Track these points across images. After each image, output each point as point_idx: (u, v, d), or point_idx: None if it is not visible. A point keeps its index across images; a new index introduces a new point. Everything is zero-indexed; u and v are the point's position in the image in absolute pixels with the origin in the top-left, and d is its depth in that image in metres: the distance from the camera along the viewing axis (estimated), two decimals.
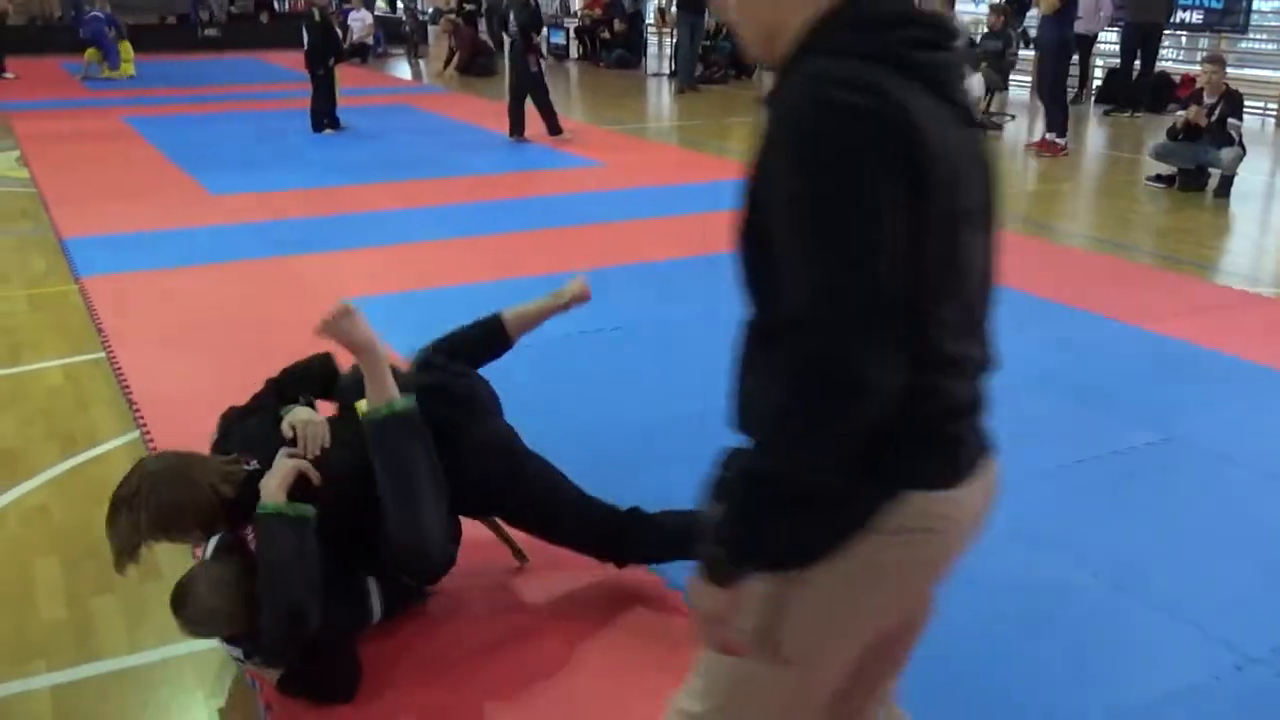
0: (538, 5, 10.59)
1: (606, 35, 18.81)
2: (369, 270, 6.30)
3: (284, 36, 20.90)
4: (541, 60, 10.59)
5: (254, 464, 2.64)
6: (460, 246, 6.83)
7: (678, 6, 15.11)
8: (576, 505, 2.95)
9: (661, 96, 15.51)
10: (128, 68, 16.43)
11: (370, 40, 19.69)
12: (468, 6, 20.12)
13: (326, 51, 10.91)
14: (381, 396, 2.75)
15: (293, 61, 17.56)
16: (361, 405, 2.79)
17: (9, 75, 15.83)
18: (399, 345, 4.05)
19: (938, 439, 1.50)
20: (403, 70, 19.06)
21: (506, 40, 10.89)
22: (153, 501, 2.47)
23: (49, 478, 3.86)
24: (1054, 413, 4.38)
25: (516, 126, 10.60)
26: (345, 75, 17.32)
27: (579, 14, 20.09)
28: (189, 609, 2.49)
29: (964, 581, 3.08)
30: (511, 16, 10.25)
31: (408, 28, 20.66)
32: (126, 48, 16.59)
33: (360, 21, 19.61)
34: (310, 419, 2.75)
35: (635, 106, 13.83)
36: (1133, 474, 3.89)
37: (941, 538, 1.53)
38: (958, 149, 1.40)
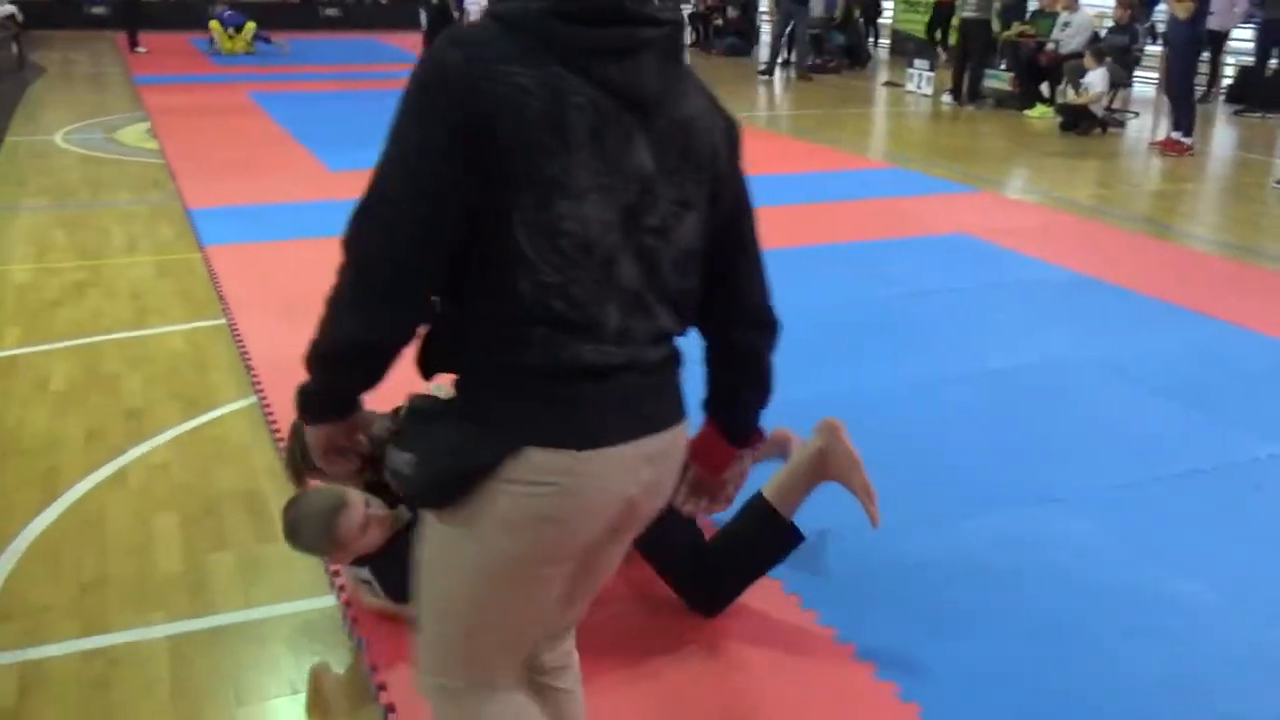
0: None
1: (719, 22, 18.73)
2: None
3: (400, 18, 21.31)
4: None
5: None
6: None
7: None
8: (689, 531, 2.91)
9: (772, 84, 15.39)
10: (239, 45, 16.85)
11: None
12: None
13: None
14: None
15: (408, 43, 17.97)
16: None
17: (141, 50, 16.35)
18: None
19: (553, 399, 1.55)
20: None
21: None
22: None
23: (171, 437, 3.99)
24: (1176, 420, 4.25)
25: None
26: None
27: (693, 0, 20.01)
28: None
29: (1077, 587, 3.07)
30: None
31: None
32: (249, 27, 17.04)
33: (476, 5, 19.82)
34: None
35: (745, 94, 13.73)
36: (1259, 486, 3.75)
37: (573, 497, 1.57)
38: (585, 129, 1.49)
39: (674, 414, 1.71)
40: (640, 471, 1.64)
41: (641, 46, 1.54)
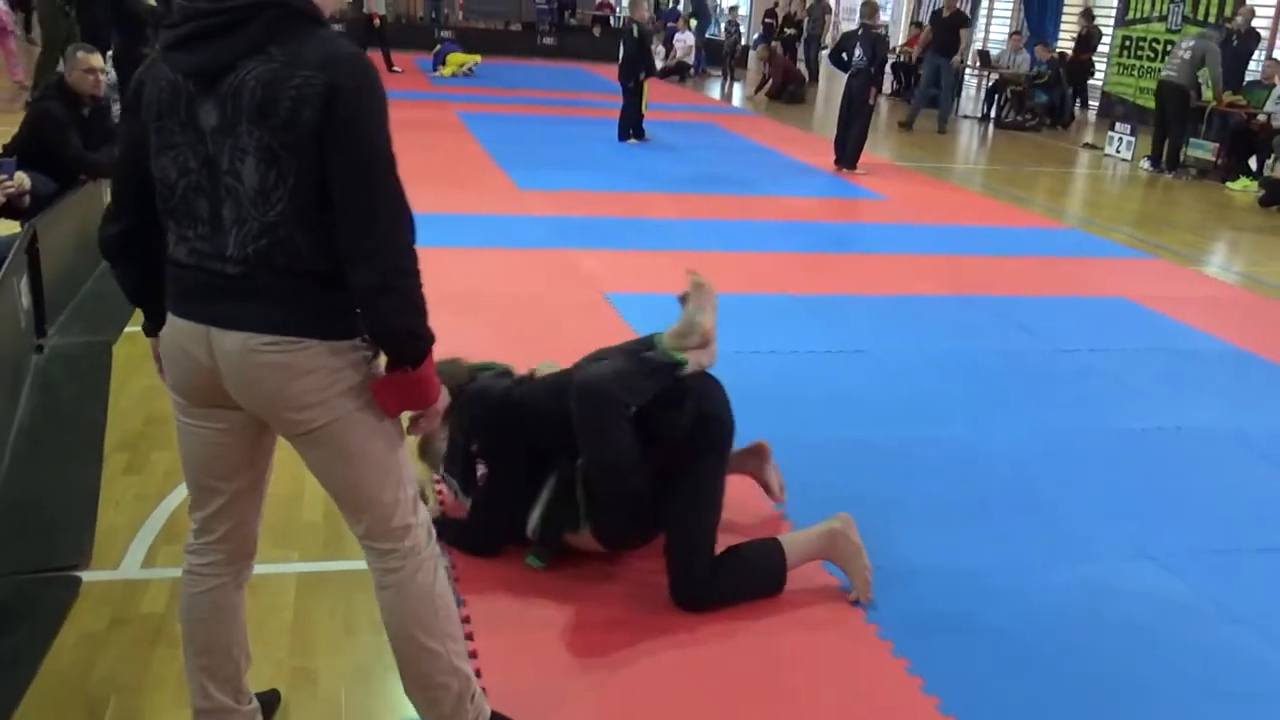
0: (887, 39, 10.86)
1: (922, 73, 18.66)
2: (638, 269, 6.76)
3: (611, 50, 22.12)
4: (879, 94, 10.84)
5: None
6: (723, 258, 7.16)
7: (931, 49, 14.87)
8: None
9: (971, 138, 15.31)
10: (448, 70, 17.87)
11: (690, 60, 20.47)
12: (787, 31, 20.62)
13: (638, 65, 11.55)
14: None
15: (614, 73, 18.67)
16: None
17: (397, 70, 17.33)
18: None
19: (168, 278, 2.16)
20: (717, 91, 19.69)
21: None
22: None
23: None
24: None
25: (848, 157, 10.79)
26: (662, 92, 18.19)
27: (897, 50, 20.02)
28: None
29: (1150, 641, 3.13)
30: (859, 47, 10.49)
31: (727, 50, 21.29)
32: (459, 57, 18.10)
33: (683, 42, 20.48)
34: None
35: (939, 146, 13.73)
36: None
37: (166, 345, 2.21)
38: (168, 102, 2.04)
39: (248, 321, 2.07)
40: (203, 346, 2.10)
41: (204, 33, 2.01)
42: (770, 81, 18.13)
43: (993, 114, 16.64)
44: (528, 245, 7.14)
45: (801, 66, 21.25)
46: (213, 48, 2.01)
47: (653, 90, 17.64)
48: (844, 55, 10.84)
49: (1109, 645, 3.14)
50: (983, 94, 18.00)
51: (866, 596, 3.23)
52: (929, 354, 5.52)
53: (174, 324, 2.15)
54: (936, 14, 15.17)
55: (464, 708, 2.39)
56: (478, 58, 18.24)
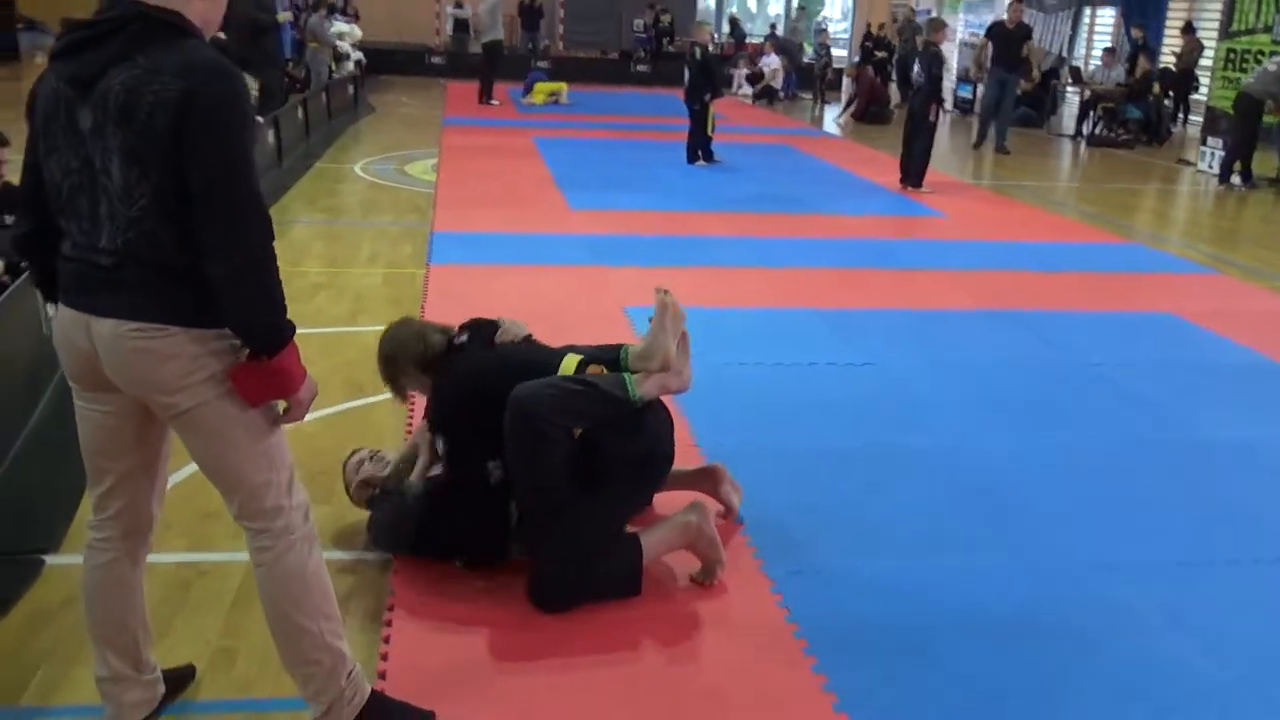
0: (944, 56, 10.73)
1: (1018, 91, 18.34)
2: (671, 285, 6.81)
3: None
4: (942, 110, 10.73)
5: (464, 338, 3.50)
6: (754, 273, 7.21)
7: (990, 61, 14.32)
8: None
9: (1059, 155, 14.98)
10: (538, 98, 18.22)
11: (777, 83, 20.50)
12: (878, 55, 20.50)
13: (703, 88, 11.65)
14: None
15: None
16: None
17: (494, 102, 17.37)
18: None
19: (59, 272, 2.33)
20: (803, 113, 19.67)
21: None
22: (383, 343, 3.58)
23: (328, 413, 4.64)
24: None
25: (915, 174, 10.70)
26: (746, 115, 18.31)
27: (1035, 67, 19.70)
28: None
29: (1107, 654, 3.09)
30: (917, 64, 10.45)
31: (818, 73, 21.27)
32: (547, 86, 18.43)
33: (769, 65, 20.54)
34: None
35: (1019, 165, 13.47)
36: None
37: (56, 333, 2.38)
38: (51, 108, 2.24)
39: (118, 309, 2.23)
40: (84, 333, 2.27)
41: (81, 44, 2.22)
42: (855, 103, 18.04)
43: (1085, 130, 16.23)
44: (560, 262, 7.28)
45: (893, 88, 21.16)
46: (87, 56, 2.20)
47: (736, 113, 17.85)
48: (907, 74, 10.79)
49: (1042, 654, 3.09)
50: (1075, 110, 17.57)
51: (711, 580, 3.30)
52: (937, 366, 5.47)
53: (62, 313, 2.34)
54: (998, 25, 14.49)
55: (335, 684, 2.50)
56: (563, 86, 18.57)
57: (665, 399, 3.44)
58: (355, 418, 4.66)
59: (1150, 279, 7.65)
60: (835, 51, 23.13)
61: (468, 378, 3.40)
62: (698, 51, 11.85)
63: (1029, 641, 3.14)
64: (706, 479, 3.79)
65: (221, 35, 9.49)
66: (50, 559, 3.40)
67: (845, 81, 21.99)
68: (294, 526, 2.45)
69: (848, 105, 18.36)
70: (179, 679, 2.79)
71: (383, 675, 2.86)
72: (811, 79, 21.39)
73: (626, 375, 3.29)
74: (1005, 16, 14.42)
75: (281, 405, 2.43)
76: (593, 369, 3.38)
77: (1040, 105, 17.78)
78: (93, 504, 2.53)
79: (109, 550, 2.53)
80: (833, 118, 18.61)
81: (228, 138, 2.17)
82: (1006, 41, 13.94)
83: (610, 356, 3.47)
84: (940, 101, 10.73)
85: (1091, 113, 16.22)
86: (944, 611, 3.27)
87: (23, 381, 4.50)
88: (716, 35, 28.29)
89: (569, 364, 3.38)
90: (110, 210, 2.21)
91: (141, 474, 2.51)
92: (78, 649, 2.94)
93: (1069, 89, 19.64)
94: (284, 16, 12.18)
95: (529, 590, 3.17)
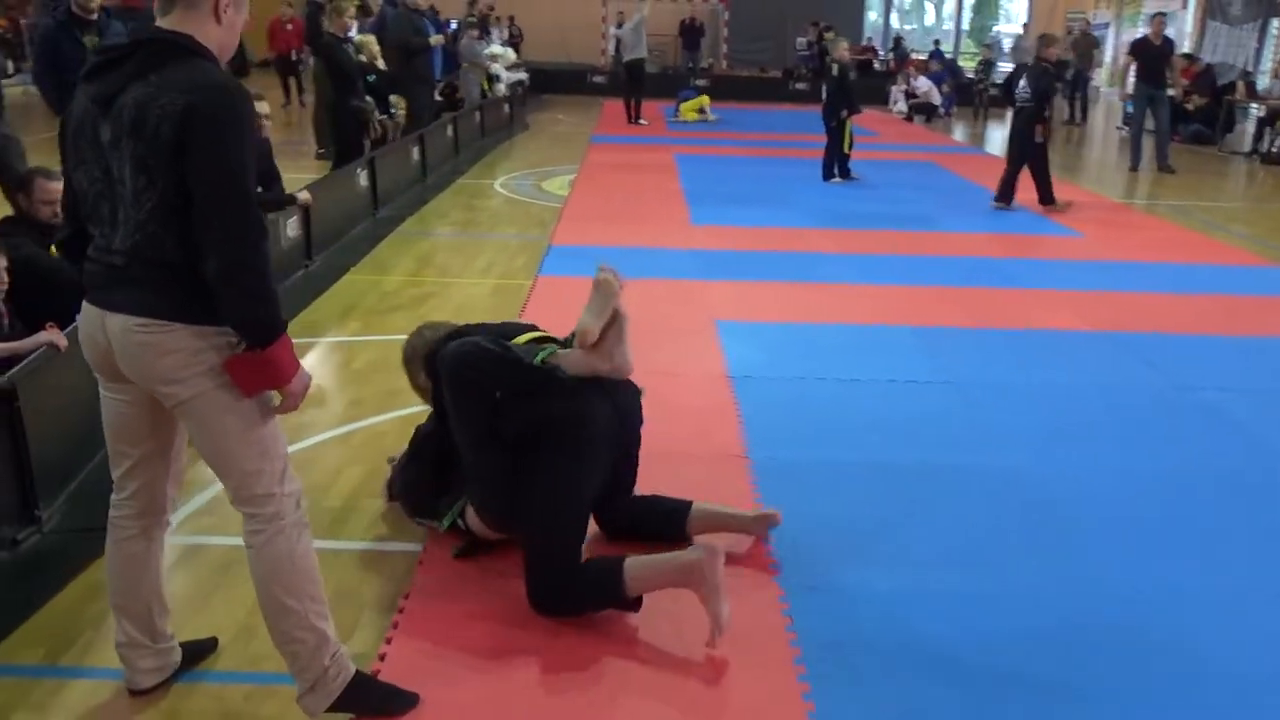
0: (1056, 75, 10.29)
1: (1189, 108, 17.52)
2: (760, 299, 6.87)
3: (864, 93, 22.04)
4: (1048, 130, 10.31)
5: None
6: (855, 290, 7.15)
7: (1137, 77, 13.56)
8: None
9: (1229, 177, 14.18)
10: (688, 115, 18.45)
11: (935, 99, 20.11)
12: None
13: (840, 104, 11.58)
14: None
15: (858, 118, 18.64)
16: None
17: (643, 122, 17.54)
18: (750, 364, 5.35)
19: (84, 272, 2.55)
20: (960, 132, 19.24)
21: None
22: (403, 350, 3.85)
23: (404, 414, 4.85)
24: None
25: (1005, 192, 10.40)
26: (896, 131, 18.05)
27: (1177, 84, 18.84)
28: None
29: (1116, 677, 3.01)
30: (1024, 81, 10.11)
31: (977, 90, 20.78)
32: (693, 103, 18.63)
33: (920, 88, 20.21)
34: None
35: (1181, 184, 12.84)
36: None
37: (81, 328, 2.59)
38: (79, 125, 2.50)
39: (127, 305, 2.46)
40: (100, 327, 2.50)
41: (104, 66, 2.47)
42: None
43: (1261, 149, 15.34)
44: (664, 275, 7.38)
45: (1064, 106, 20.48)
46: (110, 77, 2.47)
47: (888, 130, 17.62)
48: (1010, 90, 10.38)
49: (1032, 698, 3.02)
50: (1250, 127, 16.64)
51: (717, 634, 3.03)
52: (1019, 387, 5.34)
53: (84, 309, 2.59)
54: (1142, 41, 13.78)
55: (319, 662, 2.67)
56: (705, 99, 18.71)
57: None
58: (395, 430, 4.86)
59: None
60: (1006, 65, 22.53)
61: (444, 352, 3.47)
62: (835, 68, 11.79)
63: (1022, 681, 3.03)
64: (761, 524, 3.69)
65: (368, 59, 10.02)
66: None
67: None
68: (285, 513, 2.63)
69: None
70: (199, 650, 3.02)
71: (382, 658, 3.03)
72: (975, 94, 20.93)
73: (547, 348, 3.39)
74: (1149, 32, 13.80)
75: (276, 398, 2.62)
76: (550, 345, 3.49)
77: (1214, 121, 16.91)
78: (114, 484, 2.77)
79: (128, 528, 2.77)
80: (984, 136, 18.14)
81: (225, 149, 2.38)
82: (1151, 58, 13.31)
83: (567, 339, 3.50)
84: (1046, 121, 10.23)
85: (1268, 129, 15.33)
86: (950, 637, 3.21)
87: None
88: (881, 53, 28.05)
89: (522, 338, 3.55)
90: (124, 215, 2.44)
91: (157, 459, 2.75)
92: None
93: (1253, 106, 18.60)
94: (436, 39, 12.67)
95: (527, 593, 3.24)
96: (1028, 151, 10.24)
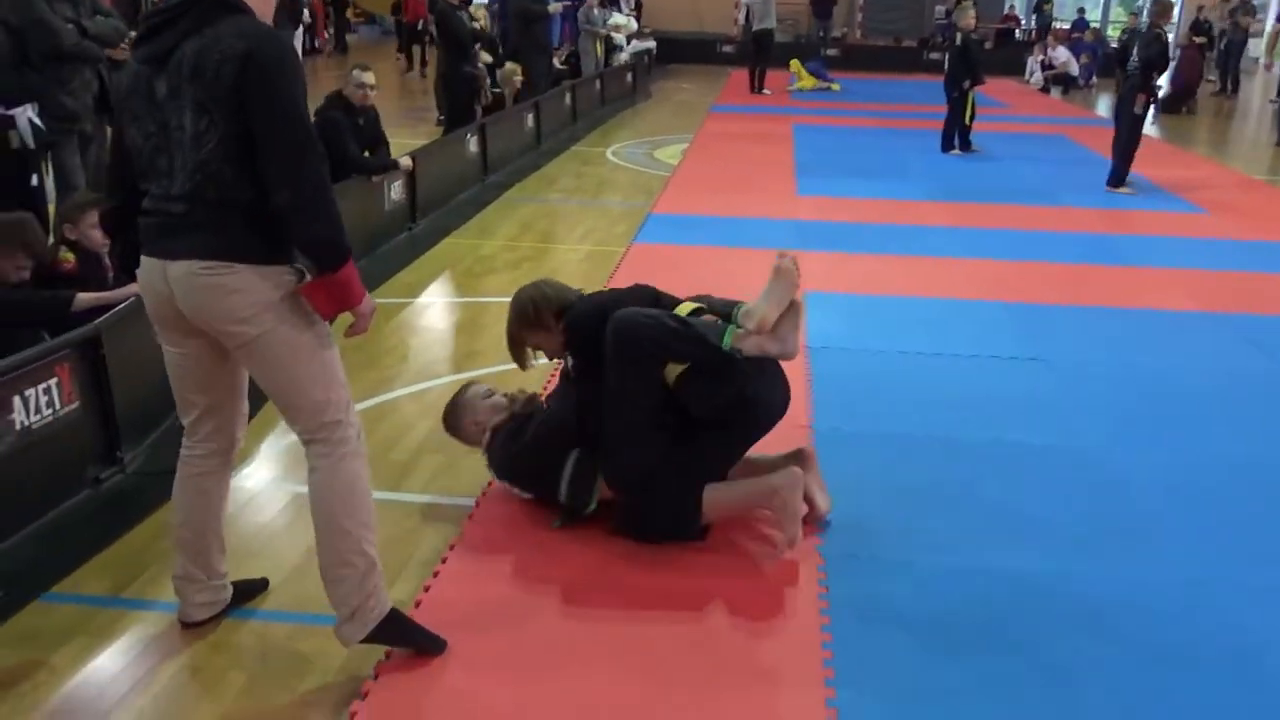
0: (1169, 43, 9.63)
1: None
2: (854, 271, 6.78)
3: (1003, 63, 21.39)
4: (1152, 103, 9.69)
5: None
6: (969, 266, 6.99)
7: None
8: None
9: None
10: (806, 83, 18.20)
11: (1073, 71, 19.37)
12: (1196, 39, 18.90)
13: (961, 75, 11.27)
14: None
15: (997, 88, 18.11)
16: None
17: (767, 92, 17.44)
18: (831, 335, 5.35)
19: (140, 227, 2.68)
20: (1102, 104, 18.49)
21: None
22: (520, 300, 3.68)
23: (482, 374, 4.97)
24: None
25: (1115, 174, 9.81)
26: (1030, 102, 17.47)
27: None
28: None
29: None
30: (1135, 50, 9.56)
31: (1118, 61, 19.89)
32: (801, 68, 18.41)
33: (1058, 59, 19.49)
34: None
35: None
36: None
37: (142, 283, 2.72)
38: (131, 85, 2.65)
39: (191, 250, 2.57)
40: (161, 276, 2.61)
41: (157, 28, 2.58)
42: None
43: None
44: (759, 245, 7.32)
45: (1214, 78, 19.53)
46: (163, 36, 2.60)
47: (1022, 101, 17.07)
48: (1125, 59, 9.72)
49: (1040, 678, 2.95)
50: None
51: (790, 545, 3.33)
52: (1113, 367, 5.16)
53: (143, 263, 2.72)
54: None
55: (363, 591, 2.78)
56: (794, 63, 18.57)
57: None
58: (511, 378, 4.94)
59: None
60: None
61: (601, 301, 3.54)
62: (959, 37, 11.47)
63: (1046, 666, 2.94)
64: (792, 463, 3.70)
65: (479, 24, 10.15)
66: None
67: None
68: (349, 439, 2.76)
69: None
70: (250, 588, 3.17)
71: (418, 605, 3.12)
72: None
73: (730, 327, 3.36)
74: None
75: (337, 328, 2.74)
76: (706, 317, 3.47)
77: None
78: (186, 430, 2.94)
79: (197, 466, 2.94)
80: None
81: (284, 87, 2.53)
82: None
83: (726, 310, 3.51)
84: (1152, 93, 9.52)
85: None
86: (984, 616, 3.15)
87: None
88: (1024, 21, 27.12)
89: (684, 308, 3.52)
90: (182, 160, 2.57)
91: (224, 403, 2.91)
92: None
93: None
94: (554, 7, 12.79)
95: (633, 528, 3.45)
96: (1124, 122, 9.63)
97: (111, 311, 4.00)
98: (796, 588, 3.25)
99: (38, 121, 5.28)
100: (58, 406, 3.58)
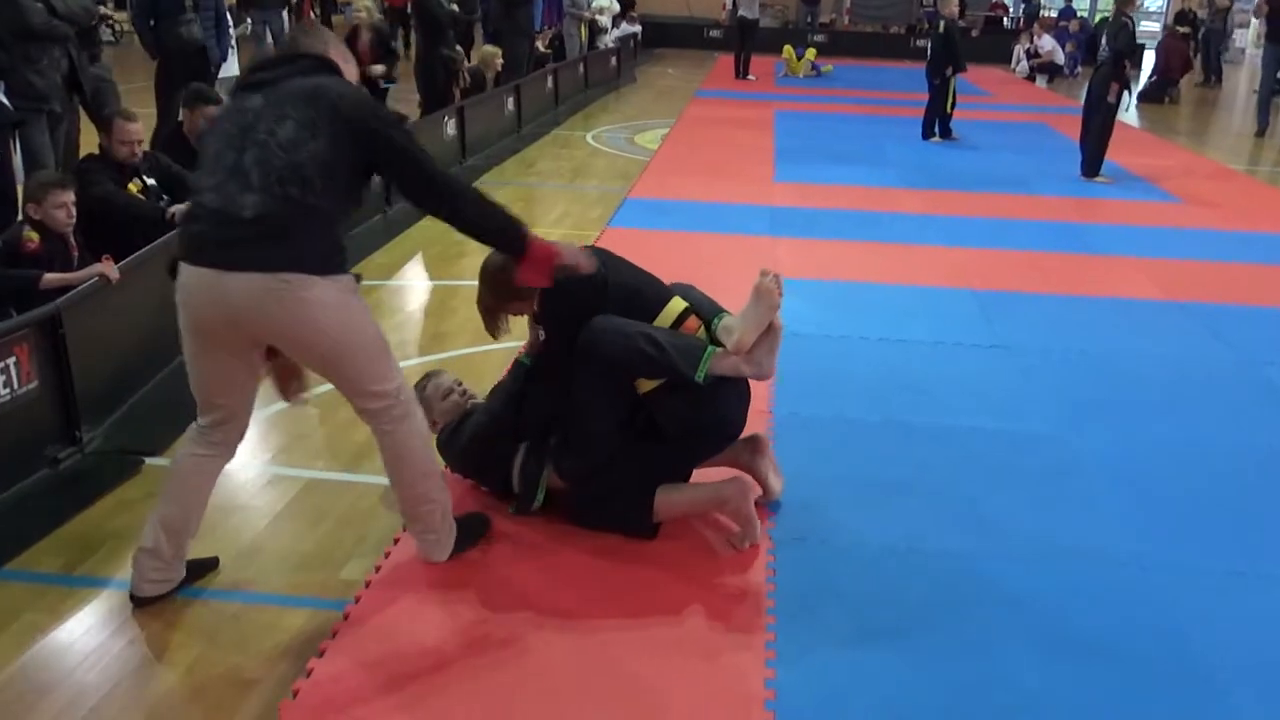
0: (1135, 31, 9.60)
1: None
2: (826, 257, 6.81)
3: (988, 51, 21.43)
4: (1126, 91, 9.66)
5: None
6: (939, 253, 7.02)
7: (1264, 37, 12.70)
8: None
9: None
10: (798, 68, 18.20)
11: (1058, 60, 19.40)
12: (1180, 29, 18.96)
13: (944, 62, 11.29)
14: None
15: (981, 75, 18.15)
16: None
17: (751, 78, 17.39)
18: (798, 320, 5.20)
19: (181, 237, 2.78)
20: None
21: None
22: (492, 266, 3.47)
23: (459, 354, 5.01)
24: None
25: (1088, 163, 9.79)
26: (1014, 90, 17.51)
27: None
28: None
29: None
30: (1104, 38, 9.53)
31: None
32: (807, 53, 18.35)
33: (1044, 47, 19.52)
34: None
35: None
36: None
37: (183, 292, 2.76)
38: (218, 113, 3.09)
39: (255, 261, 2.63)
40: (215, 286, 2.65)
41: (268, 67, 2.92)
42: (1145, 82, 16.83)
43: None
44: (732, 231, 7.37)
45: (1198, 64, 19.57)
46: (271, 73, 2.92)
47: (1005, 90, 17.10)
48: (1096, 47, 9.52)
49: (968, 661, 3.00)
50: None
51: (749, 544, 3.38)
52: (1072, 354, 5.20)
53: (188, 273, 2.74)
54: None
55: (447, 521, 3.19)
56: (811, 51, 18.61)
57: None
58: (479, 360, 4.98)
59: None
60: (1149, 26, 21.52)
61: (587, 281, 3.30)
62: (941, 24, 11.49)
63: (975, 645, 3.00)
64: (745, 449, 3.74)
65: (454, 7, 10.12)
66: (150, 460, 3.93)
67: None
68: (408, 397, 3.01)
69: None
70: (200, 567, 3.20)
71: (368, 584, 3.16)
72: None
73: (709, 351, 3.30)
74: None
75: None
76: (691, 322, 3.42)
77: None
78: (199, 422, 3.02)
79: (204, 452, 3.03)
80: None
81: (398, 135, 2.83)
82: (1275, 11, 12.43)
83: (710, 315, 3.48)
84: (1124, 81, 9.48)
85: None
86: (923, 596, 3.20)
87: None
88: (1012, 9, 27.11)
89: (671, 310, 3.42)
90: (261, 157, 2.68)
91: (242, 404, 3.03)
92: (138, 537, 3.41)
93: None
94: None
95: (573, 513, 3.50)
96: (1097, 111, 9.57)
97: (73, 291, 4.01)
98: (745, 569, 3.29)
99: (4, 101, 5.28)
100: (15, 386, 3.61)
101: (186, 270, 2.73)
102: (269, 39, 12.88)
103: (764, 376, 3.38)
